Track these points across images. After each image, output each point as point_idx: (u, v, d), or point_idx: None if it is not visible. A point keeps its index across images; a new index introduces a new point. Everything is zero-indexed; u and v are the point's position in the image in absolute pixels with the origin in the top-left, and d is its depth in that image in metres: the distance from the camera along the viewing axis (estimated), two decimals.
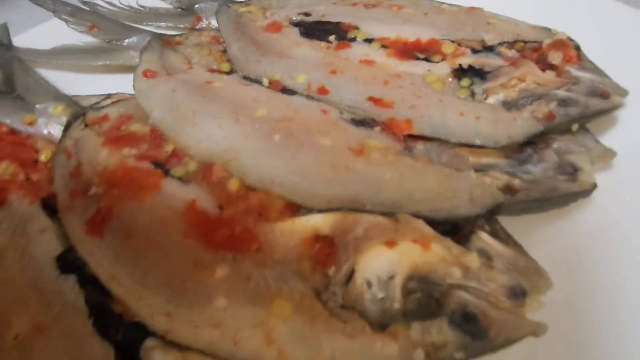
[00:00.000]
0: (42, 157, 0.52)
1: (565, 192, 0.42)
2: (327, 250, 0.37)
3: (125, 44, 0.69)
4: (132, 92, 0.58)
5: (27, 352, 0.36)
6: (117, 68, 0.68)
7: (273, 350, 0.33)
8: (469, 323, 0.33)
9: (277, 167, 0.43)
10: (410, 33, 0.61)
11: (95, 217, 0.43)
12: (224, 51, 0.66)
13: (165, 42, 0.68)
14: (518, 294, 0.35)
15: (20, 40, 0.71)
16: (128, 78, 0.63)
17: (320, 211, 0.40)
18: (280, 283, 0.36)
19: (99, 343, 0.36)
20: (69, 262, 0.42)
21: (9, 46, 0.66)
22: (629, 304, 0.40)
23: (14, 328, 0.37)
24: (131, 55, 0.68)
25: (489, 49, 0.58)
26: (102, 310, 0.38)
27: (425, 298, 0.35)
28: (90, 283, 0.40)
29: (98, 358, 0.35)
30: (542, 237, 0.44)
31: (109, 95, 0.59)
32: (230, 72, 0.62)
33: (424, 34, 0.60)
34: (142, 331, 0.36)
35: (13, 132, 0.54)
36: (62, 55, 0.67)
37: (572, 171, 0.46)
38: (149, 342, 0.36)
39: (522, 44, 0.58)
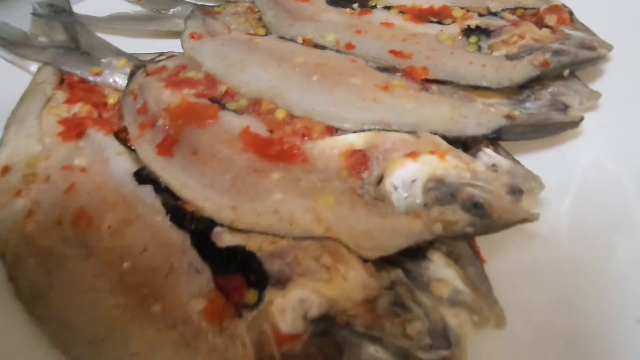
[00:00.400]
0: (110, 100, 0.60)
1: (557, 121, 0.51)
2: (360, 160, 0.46)
3: (170, 12, 0.78)
4: (180, 51, 0.68)
5: (119, 238, 0.45)
6: (163, 33, 0.77)
7: (321, 227, 0.41)
8: (477, 208, 0.41)
9: (317, 100, 0.51)
10: (425, 1, 0.69)
11: (164, 142, 0.52)
12: (259, 19, 0.76)
13: (205, 11, 0.77)
14: (516, 192, 0.43)
15: (79, 8, 0.80)
16: (174, 42, 0.73)
17: (354, 132, 0.48)
18: (324, 183, 0.45)
19: (176, 231, 0.45)
20: (144, 177, 0.51)
21: (70, 12, 0.75)
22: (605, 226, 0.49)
23: (107, 220, 0.46)
24: (176, 22, 0.77)
25: (493, 14, 0.67)
26: (176, 209, 0.47)
27: (442, 193, 0.43)
28: (164, 192, 0.49)
29: (177, 242, 0.44)
30: (537, 162, 0.53)
31: (161, 54, 0.68)
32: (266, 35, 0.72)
33: (436, 2, 0.69)
34: (211, 222, 0.45)
35: (83, 81, 0.63)
36: (115, 22, 0.76)
37: (563, 108, 0.54)
38: (218, 229, 0.44)
39: (522, 10, 0.67)
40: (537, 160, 0.52)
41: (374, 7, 0.71)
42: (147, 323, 0.40)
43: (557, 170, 0.52)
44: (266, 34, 0.71)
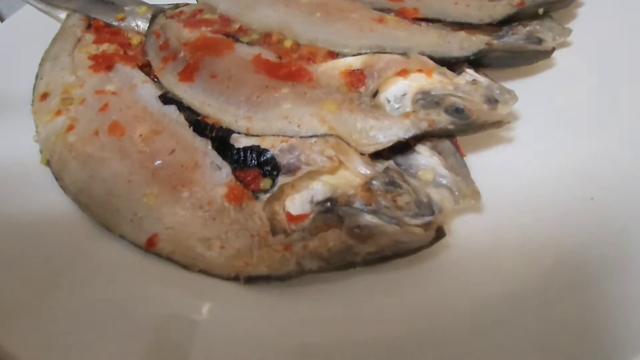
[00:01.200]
0: (134, 41, 0.67)
1: (532, 50, 0.57)
2: (358, 77, 0.53)
3: None
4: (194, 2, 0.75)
5: (150, 143, 0.52)
6: None
7: (325, 126, 0.48)
8: (458, 112, 0.48)
9: (321, 32, 0.58)
10: None
11: (185, 70, 0.58)
12: None
13: None
14: (492, 101, 0.50)
15: None
16: None
17: (353, 56, 0.55)
18: (327, 95, 0.51)
19: (199, 138, 0.51)
20: (169, 99, 0.57)
21: None
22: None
23: (139, 131, 0.53)
24: None
25: None
26: (198, 122, 0.53)
27: (428, 103, 0.50)
28: (186, 110, 0.56)
29: (200, 146, 0.51)
30: (513, 86, 0.59)
31: (176, 5, 0.74)
32: None
33: None
34: (229, 131, 0.52)
35: (108, 25, 0.70)
36: None
37: (538, 41, 0.61)
38: (236, 135, 0.51)
39: None
40: (514, 85, 0.58)
41: None
42: (178, 205, 0.47)
43: (532, 94, 0.59)
44: None
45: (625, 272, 0.41)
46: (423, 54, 0.54)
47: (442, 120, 0.48)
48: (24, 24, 0.75)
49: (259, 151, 0.49)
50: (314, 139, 0.48)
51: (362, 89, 0.53)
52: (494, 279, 0.43)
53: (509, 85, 0.55)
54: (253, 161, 0.49)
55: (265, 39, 0.60)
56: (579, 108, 0.57)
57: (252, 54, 0.58)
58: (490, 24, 0.62)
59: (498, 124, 0.50)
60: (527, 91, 0.55)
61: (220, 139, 0.52)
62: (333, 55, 0.56)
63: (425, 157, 0.47)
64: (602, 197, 0.46)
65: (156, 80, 0.61)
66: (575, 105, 0.57)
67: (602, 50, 0.63)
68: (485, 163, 0.50)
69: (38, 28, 0.72)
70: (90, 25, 0.70)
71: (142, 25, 0.69)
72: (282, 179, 0.47)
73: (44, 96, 0.61)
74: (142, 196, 0.48)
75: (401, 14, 0.64)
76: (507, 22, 0.63)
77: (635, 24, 0.65)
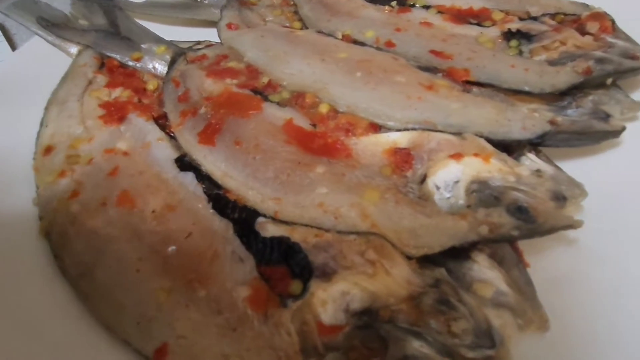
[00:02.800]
0: (150, 87, 0.61)
1: (599, 130, 0.51)
2: (404, 158, 0.46)
3: (207, 1, 0.78)
4: (216, 40, 0.68)
5: (163, 222, 0.45)
6: (199, 22, 0.77)
7: (367, 222, 0.41)
8: (522, 212, 0.42)
9: (361, 96, 0.52)
10: (464, 2, 0.69)
11: (206, 130, 0.52)
12: (295, 12, 0.76)
13: (241, 2, 0.77)
14: (560, 198, 0.44)
15: None
16: (209, 31, 0.73)
17: (398, 130, 0.49)
18: (368, 179, 0.45)
19: (219, 219, 0.45)
20: (186, 164, 0.51)
21: None
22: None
23: (151, 205, 0.47)
24: (212, 11, 0.77)
25: (533, 19, 0.67)
26: (218, 197, 0.47)
27: (485, 196, 0.43)
28: (205, 179, 0.49)
29: (220, 229, 0.45)
30: (577, 170, 0.52)
31: (198, 42, 0.69)
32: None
33: (475, 4, 0.69)
34: (254, 212, 0.46)
35: (122, 66, 0.64)
36: (152, 9, 0.77)
37: (605, 117, 0.54)
38: (262, 219, 0.45)
39: (562, 16, 0.66)
40: (577, 168, 0.52)
41: (413, 5, 0.70)
42: (193, 307, 0.40)
43: (597, 180, 0.53)
44: (301, 28, 0.71)
45: None
46: (480, 135, 0.48)
47: (505, 223, 0.41)
48: (35, 55, 0.70)
49: (288, 245, 0.43)
50: (353, 237, 0.42)
51: (408, 173, 0.47)
52: None
53: (568, 168, 0.49)
54: (281, 256, 0.43)
55: (298, 99, 0.54)
56: None
57: (283, 118, 0.52)
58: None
59: (567, 227, 0.44)
60: (589, 176, 0.49)
61: (243, 221, 0.45)
62: (375, 127, 0.50)
63: (482, 268, 0.40)
64: None
65: (172, 136, 0.56)
66: None
67: None
68: (546, 272, 0.43)
69: (50, 60, 0.67)
70: (103, 64, 0.64)
71: (160, 67, 0.63)
72: (314, 284, 0.41)
73: (48, 150, 0.54)
74: (152, 291, 0.41)
75: (450, 74, 0.57)
76: (569, 91, 0.57)
77: None
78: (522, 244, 0.44)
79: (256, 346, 0.38)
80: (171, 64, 0.61)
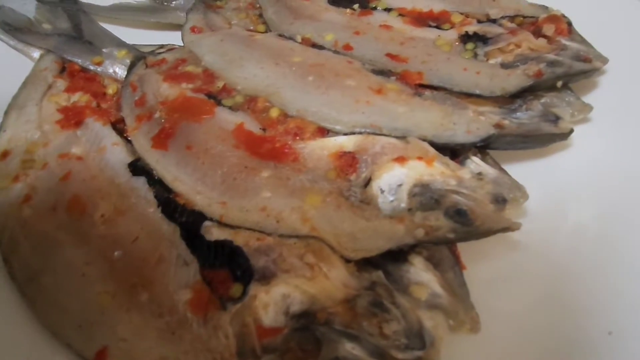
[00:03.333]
0: (109, 91, 0.61)
1: (547, 133, 0.51)
2: (349, 162, 0.47)
3: (173, 5, 0.78)
4: (180, 44, 0.69)
5: (112, 227, 0.46)
6: (165, 25, 0.77)
7: (307, 226, 0.42)
8: (460, 215, 0.42)
9: (311, 100, 0.52)
10: (425, 5, 0.70)
11: (159, 134, 0.53)
12: (260, 15, 0.76)
13: (207, 5, 0.78)
14: (500, 201, 0.45)
15: None
16: (174, 34, 0.73)
17: (345, 134, 0.49)
18: (312, 183, 0.46)
19: (167, 223, 0.46)
20: (139, 168, 0.52)
21: (74, 0, 0.75)
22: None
23: (101, 209, 0.47)
24: (178, 15, 0.77)
25: (492, 21, 0.67)
26: (168, 201, 0.48)
27: (426, 199, 0.44)
28: (157, 183, 0.50)
29: (167, 233, 0.45)
30: (524, 172, 0.53)
31: (161, 46, 0.69)
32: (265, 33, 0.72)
33: (436, 6, 0.69)
34: (201, 216, 0.46)
35: (83, 70, 0.64)
36: (118, 12, 0.77)
37: (554, 119, 0.55)
38: (208, 223, 0.45)
39: (521, 18, 0.67)
40: (524, 170, 0.52)
41: (375, 8, 0.71)
42: (135, 310, 0.41)
43: (544, 182, 0.53)
44: (266, 31, 0.71)
45: None
46: (424, 139, 0.49)
47: (442, 226, 0.42)
48: None
49: (231, 248, 0.43)
50: (293, 240, 0.43)
51: (352, 177, 0.47)
52: None
53: (517, 170, 0.49)
54: (224, 260, 0.43)
55: (250, 103, 0.54)
56: (596, 203, 0.50)
57: (234, 123, 0.52)
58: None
59: (505, 229, 0.44)
60: (536, 179, 0.49)
61: (190, 225, 0.46)
62: (323, 131, 0.50)
63: (418, 271, 0.41)
64: (623, 333, 0.40)
65: (130, 140, 0.56)
66: (593, 199, 0.50)
67: (626, 129, 0.57)
68: (485, 274, 0.44)
69: (9, 67, 0.67)
70: (65, 69, 0.64)
71: (120, 72, 0.63)
72: (254, 287, 0.41)
73: (5, 154, 0.54)
74: (96, 295, 0.42)
75: (404, 78, 0.57)
76: (520, 93, 0.57)
77: None
78: (463, 247, 0.45)
79: (194, 349, 0.39)
80: (130, 68, 0.62)
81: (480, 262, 0.44)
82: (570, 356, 0.39)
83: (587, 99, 0.59)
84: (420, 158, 0.47)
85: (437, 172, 0.46)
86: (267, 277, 0.41)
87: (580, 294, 0.42)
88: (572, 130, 0.54)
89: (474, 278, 0.42)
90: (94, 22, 0.72)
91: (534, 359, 0.39)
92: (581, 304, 0.42)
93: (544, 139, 0.53)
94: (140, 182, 0.50)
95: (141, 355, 0.39)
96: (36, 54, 0.67)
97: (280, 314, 0.41)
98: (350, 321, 0.39)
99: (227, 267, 0.42)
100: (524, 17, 0.67)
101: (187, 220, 0.46)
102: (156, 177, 0.50)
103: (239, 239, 0.44)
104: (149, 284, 0.43)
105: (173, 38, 0.72)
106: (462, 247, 0.44)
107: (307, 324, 0.40)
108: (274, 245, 0.43)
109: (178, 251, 0.44)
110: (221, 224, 0.45)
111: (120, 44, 0.67)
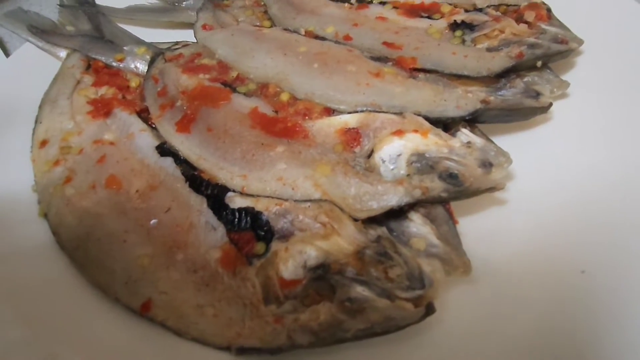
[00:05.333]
0: (132, 84, 0.68)
1: (529, 107, 0.58)
2: (354, 136, 0.53)
3: (183, 5, 0.84)
4: (193, 40, 0.75)
5: (146, 200, 0.52)
6: (177, 24, 0.84)
7: (319, 191, 0.48)
8: (452, 178, 0.48)
9: (317, 85, 0.58)
10: None
11: (182, 120, 0.59)
12: (265, 12, 0.82)
13: (215, 4, 0.84)
14: (487, 165, 0.51)
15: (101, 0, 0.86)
16: (187, 32, 0.79)
17: (349, 113, 0.55)
18: (321, 155, 0.52)
19: (195, 195, 0.52)
20: (165, 150, 0.58)
21: (93, 3, 0.81)
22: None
23: (135, 186, 0.53)
24: (189, 14, 0.83)
25: (479, 10, 0.73)
26: (194, 177, 0.54)
27: (423, 165, 0.50)
28: (183, 162, 0.56)
29: (195, 204, 0.51)
30: (509, 142, 0.59)
31: (177, 42, 0.75)
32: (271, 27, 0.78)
33: None
34: (224, 188, 0.52)
35: (107, 66, 0.70)
36: (133, 13, 0.83)
37: (535, 95, 0.61)
38: (231, 194, 0.51)
39: (505, 6, 0.73)
40: (509, 140, 0.59)
41: (370, 2, 0.77)
42: (172, 268, 0.48)
43: (527, 149, 0.59)
44: (271, 27, 0.77)
45: (616, 344, 0.42)
46: (419, 114, 0.55)
47: (436, 187, 0.48)
48: (27, 59, 0.75)
49: (253, 213, 0.50)
50: (307, 204, 0.49)
51: (357, 149, 0.53)
52: (485, 354, 0.44)
53: (504, 140, 0.55)
54: (247, 224, 0.49)
55: (262, 89, 0.60)
56: (575, 167, 0.56)
57: (248, 107, 0.58)
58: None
59: (491, 189, 0.50)
60: (521, 147, 0.56)
61: (215, 197, 0.52)
62: (329, 111, 0.56)
63: (417, 225, 0.47)
64: (594, 271, 0.46)
65: (154, 127, 0.62)
66: (571, 164, 0.56)
67: (601, 103, 0.63)
68: (477, 228, 0.51)
69: (40, 66, 0.73)
70: (90, 66, 0.70)
71: (141, 67, 0.69)
72: (275, 244, 0.47)
73: (43, 143, 0.61)
74: (137, 257, 0.48)
75: (399, 63, 0.64)
76: (505, 73, 0.63)
77: (636, 73, 0.66)
78: (456, 205, 0.51)
79: (226, 297, 0.45)
80: (151, 63, 0.68)
81: (471, 218, 0.51)
82: (550, 292, 0.45)
83: (565, 76, 0.66)
84: (416, 131, 0.53)
85: (432, 142, 0.52)
86: (286, 236, 0.48)
87: (558, 242, 0.48)
88: (551, 104, 0.60)
89: (465, 231, 0.49)
90: (113, 22, 0.78)
91: (519, 299, 0.45)
92: (557, 251, 0.48)
93: (526, 112, 0.59)
94: (168, 162, 0.56)
95: (180, 304, 0.46)
96: (62, 53, 0.73)
97: (298, 267, 0.47)
98: (360, 270, 0.46)
99: (251, 229, 0.49)
100: (508, 5, 0.74)
101: (212, 192, 0.52)
102: (182, 157, 0.56)
103: (260, 205, 0.50)
104: (183, 246, 0.49)
105: (186, 35, 0.79)
106: (455, 205, 0.50)
107: (323, 274, 0.46)
108: (290, 209, 0.49)
109: (206, 218, 0.51)
110: (243, 194, 0.52)
111: (139, 41, 0.73)
